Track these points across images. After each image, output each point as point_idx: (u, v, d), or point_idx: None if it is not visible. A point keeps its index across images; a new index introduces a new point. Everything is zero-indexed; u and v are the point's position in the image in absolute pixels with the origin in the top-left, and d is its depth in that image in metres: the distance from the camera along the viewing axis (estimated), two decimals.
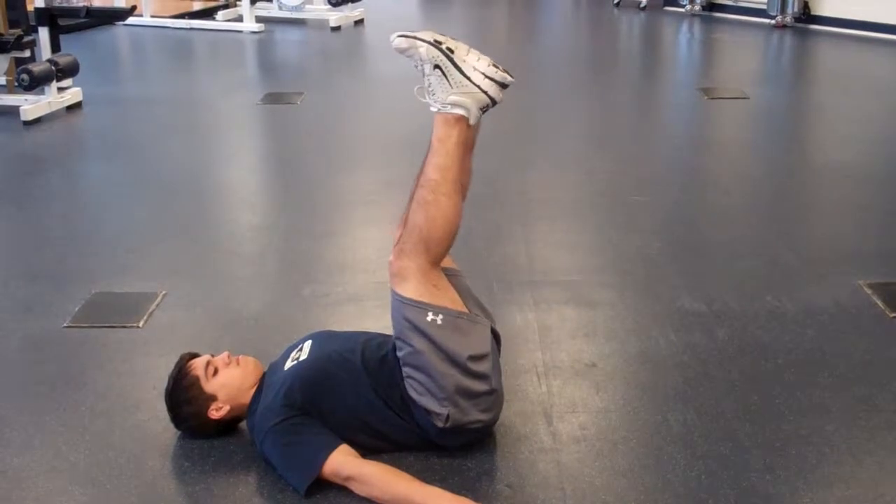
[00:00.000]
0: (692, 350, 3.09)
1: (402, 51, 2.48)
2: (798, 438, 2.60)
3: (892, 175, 5.01)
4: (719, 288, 3.54)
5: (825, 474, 2.46)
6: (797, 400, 2.78)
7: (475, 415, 2.46)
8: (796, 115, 6.64)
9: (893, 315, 3.30)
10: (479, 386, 2.44)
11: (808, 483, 2.42)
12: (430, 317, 2.40)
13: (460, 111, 2.43)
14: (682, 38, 9.48)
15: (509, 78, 2.45)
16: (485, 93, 2.43)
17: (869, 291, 3.48)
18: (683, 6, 10.18)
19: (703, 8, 10.06)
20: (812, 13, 9.16)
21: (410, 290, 2.43)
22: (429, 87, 2.46)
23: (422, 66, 2.45)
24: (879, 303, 3.39)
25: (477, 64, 2.43)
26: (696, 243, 4.07)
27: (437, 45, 2.43)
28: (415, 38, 2.44)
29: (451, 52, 2.42)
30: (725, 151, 5.62)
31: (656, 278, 3.67)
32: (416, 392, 2.43)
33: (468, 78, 2.42)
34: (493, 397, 2.50)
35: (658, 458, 2.53)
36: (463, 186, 2.55)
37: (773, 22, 9.25)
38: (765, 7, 9.38)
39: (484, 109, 2.46)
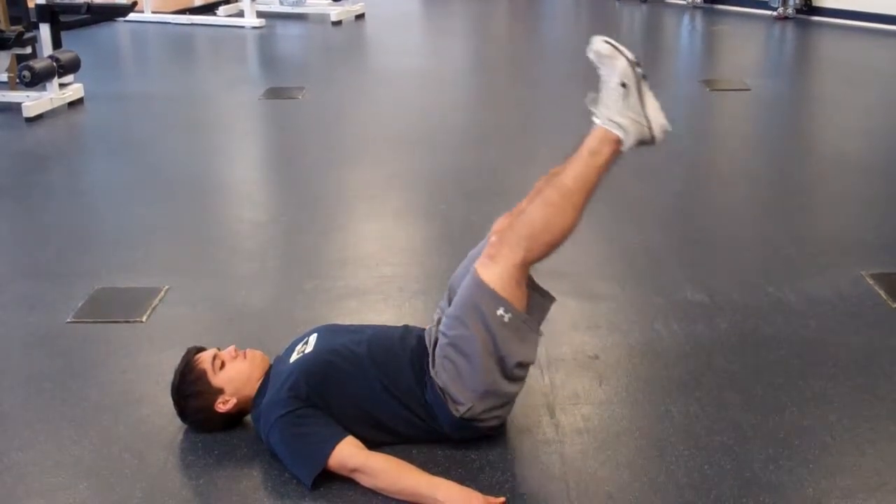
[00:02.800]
0: (694, 341, 3.09)
1: (600, 56, 2.45)
2: (801, 429, 2.60)
3: (894, 165, 5.01)
4: (721, 279, 3.54)
5: (828, 464, 2.46)
6: (800, 390, 2.79)
7: (494, 412, 2.48)
8: (798, 106, 6.63)
9: (895, 305, 3.30)
10: (510, 389, 2.47)
11: (811, 473, 2.42)
12: (500, 311, 2.40)
13: (621, 133, 2.43)
14: (683, 31, 9.47)
15: (668, 127, 2.47)
16: (650, 128, 2.45)
17: (871, 282, 3.48)
18: None
19: (705, 0, 10.04)
20: (813, 5, 9.14)
21: (495, 278, 2.41)
22: (605, 99, 2.45)
23: (609, 77, 2.44)
24: (881, 293, 3.39)
25: (651, 101, 2.44)
26: (697, 235, 4.07)
27: (635, 65, 2.43)
28: (619, 50, 2.43)
29: (644, 78, 2.43)
30: (727, 143, 5.62)
31: (658, 270, 3.67)
32: (447, 374, 2.43)
33: (643, 108, 2.44)
34: (513, 402, 2.53)
35: (661, 450, 2.53)
36: (587, 204, 2.52)
37: (774, 13, 9.23)
38: None
39: (641, 143, 2.46)
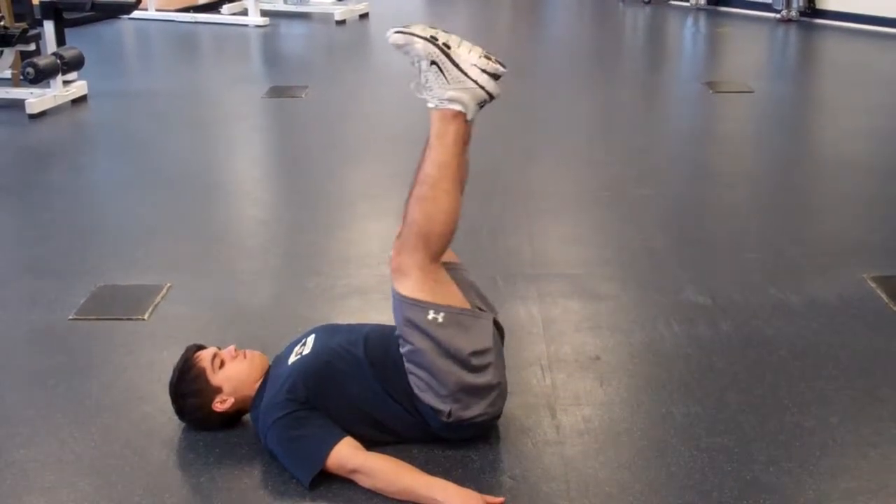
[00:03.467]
0: (696, 343, 3.09)
1: (398, 47, 2.45)
2: (802, 431, 2.60)
3: None
4: (723, 281, 3.54)
5: (829, 466, 2.46)
6: (801, 392, 2.79)
7: (478, 409, 2.46)
8: (801, 108, 6.62)
9: None
10: (480, 380, 2.44)
11: (812, 475, 2.42)
12: (430, 315, 2.40)
13: (458, 107, 2.42)
14: (687, 32, 9.47)
15: (501, 69, 2.44)
16: (482, 88, 2.42)
17: (873, 285, 3.47)
18: (688, 0, 10.16)
19: (709, 2, 10.03)
20: (817, 7, 9.13)
21: (410, 287, 2.43)
22: (425, 83, 2.44)
23: (418, 62, 2.43)
24: (883, 296, 3.39)
25: (469, 57, 2.41)
26: (700, 236, 4.07)
27: (433, 41, 2.41)
28: (411, 34, 2.42)
29: (448, 48, 2.41)
30: (730, 145, 5.62)
31: (660, 271, 3.67)
32: (418, 388, 2.44)
33: (465, 73, 2.41)
34: (496, 390, 2.50)
35: (662, 451, 2.53)
36: (461, 181, 2.54)
37: (778, 16, 9.22)
38: (770, 1, 9.35)
39: (481, 105, 2.45)
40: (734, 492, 2.35)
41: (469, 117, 2.45)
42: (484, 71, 2.41)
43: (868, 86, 6.96)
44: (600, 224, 4.27)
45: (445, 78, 2.40)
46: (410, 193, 2.50)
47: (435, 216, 2.43)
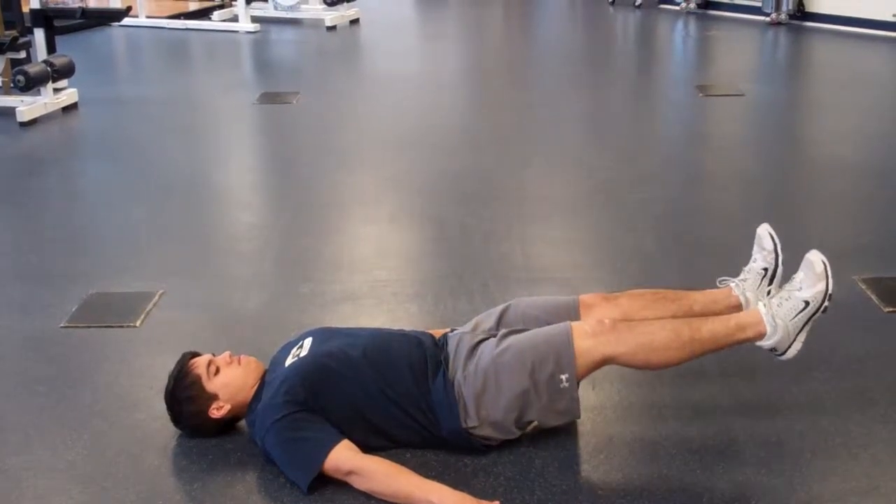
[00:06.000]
0: None
1: (811, 267, 2.54)
2: (793, 433, 2.61)
3: (887, 170, 5.02)
4: (715, 283, 3.54)
5: (821, 468, 2.47)
6: (792, 394, 2.79)
7: (494, 439, 2.52)
8: (791, 111, 6.64)
9: (888, 310, 3.32)
10: (514, 431, 2.51)
11: (803, 477, 2.43)
12: (565, 376, 2.44)
13: (768, 330, 2.50)
14: (677, 36, 9.50)
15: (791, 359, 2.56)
16: (789, 347, 2.52)
17: (863, 286, 3.49)
18: (678, 4, 10.19)
19: (699, 6, 10.07)
20: (807, 10, 9.17)
21: (584, 348, 2.45)
22: (784, 300, 2.53)
23: (802, 287, 2.53)
24: (874, 297, 3.40)
25: (806, 331, 2.53)
26: (691, 239, 4.08)
27: (829, 297, 2.51)
28: (828, 277, 2.52)
29: (823, 312, 2.52)
30: (721, 148, 5.64)
31: (652, 274, 3.67)
32: (471, 388, 2.47)
33: (800, 333, 2.52)
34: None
35: (654, 454, 2.54)
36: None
37: (768, 19, 9.26)
38: (760, 4, 9.39)
39: (770, 349, 2.54)
40: (726, 494, 2.36)
41: (764, 346, 2.53)
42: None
43: (858, 88, 6.98)
44: (593, 227, 4.28)
45: (796, 318, 2.51)
46: (669, 304, 2.67)
47: (664, 354, 2.49)
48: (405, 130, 5.92)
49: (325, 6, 9.82)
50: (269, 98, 6.72)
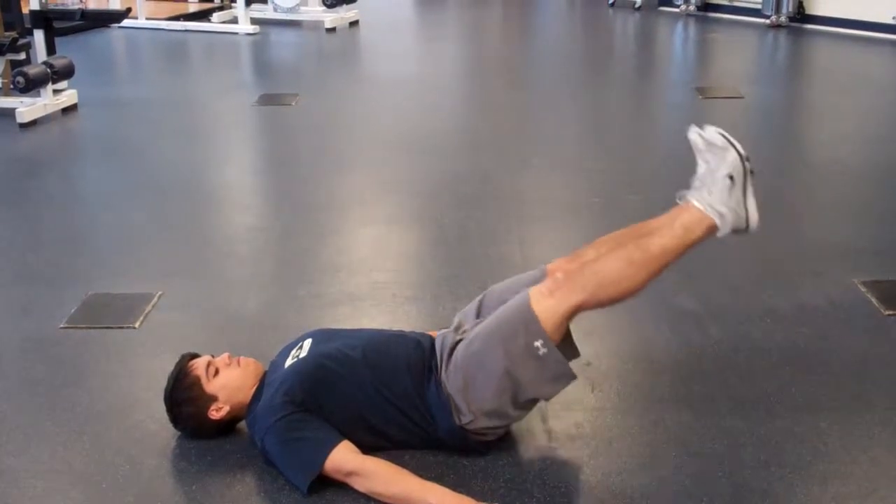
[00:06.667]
0: (687, 348, 3.10)
1: (711, 145, 2.49)
2: (793, 435, 2.61)
3: (887, 173, 5.02)
4: (714, 286, 3.55)
5: (820, 471, 2.47)
6: (792, 397, 2.79)
7: (492, 431, 2.51)
8: (791, 113, 6.65)
9: (887, 312, 3.32)
10: (514, 414, 2.50)
11: (803, 480, 2.43)
12: (538, 342, 2.40)
13: (719, 221, 2.45)
14: (676, 38, 9.50)
15: (755, 229, 2.50)
16: (748, 220, 2.47)
17: (863, 289, 3.49)
18: (678, 6, 10.19)
19: (698, 8, 10.07)
20: (806, 13, 9.17)
21: (546, 310, 2.41)
22: (708, 185, 2.47)
23: (714, 165, 2.46)
24: (873, 300, 3.40)
25: (751, 195, 2.48)
26: None
27: (745, 159, 2.45)
28: (732, 143, 2.46)
29: (752, 174, 2.46)
30: None
31: None
32: (457, 384, 2.45)
33: (745, 200, 2.46)
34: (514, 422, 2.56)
35: (653, 456, 2.54)
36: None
37: (767, 21, 9.26)
38: (759, 7, 9.39)
39: (735, 231, 2.48)
40: (725, 497, 2.36)
41: (720, 234, 2.47)
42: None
43: (857, 90, 6.99)
44: (591, 230, 4.26)
45: (730, 194, 2.45)
46: (617, 243, 2.55)
47: (624, 283, 2.44)
48: (405, 132, 5.92)
49: (324, 8, 9.82)
50: (269, 100, 6.72)
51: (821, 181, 5.00)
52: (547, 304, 2.42)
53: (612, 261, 2.46)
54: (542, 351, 2.40)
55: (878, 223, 4.27)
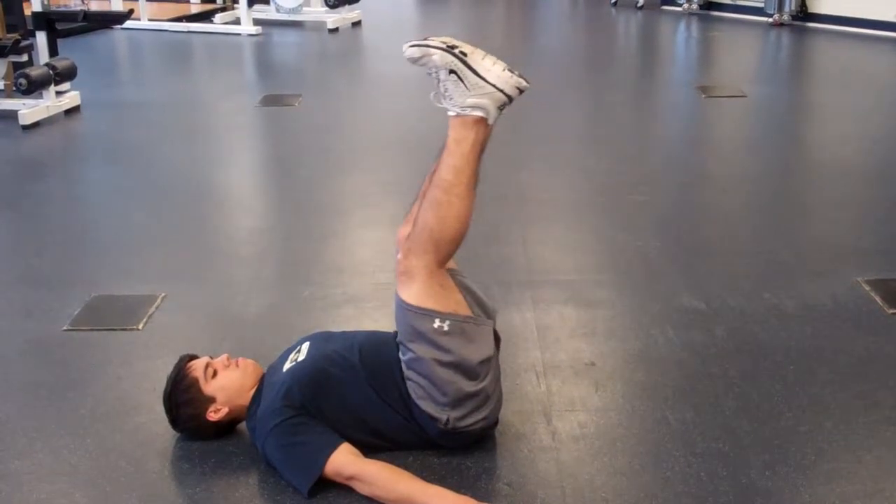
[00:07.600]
0: (691, 348, 3.09)
1: (414, 60, 2.45)
2: (797, 435, 2.60)
3: (890, 172, 5.02)
4: (718, 286, 3.54)
5: (824, 471, 2.46)
6: (796, 397, 2.79)
7: (475, 416, 2.47)
8: (794, 112, 6.64)
9: (892, 311, 3.31)
10: (479, 387, 2.45)
11: (807, 480, 2.42)
12: (436, 323, 2.40)
13: (479, 113, 2.41)
14: (679, 37, 9.49)
15: (524, 83, 2.44)
16: (501, 91, 2.41)
17: (867, 288, 3.48)
18: (681, 5, 10.19)
19: (701, 6, 10.07)
20: (809, 11, 9.17)
21: (416, 293, 2.42)
22: (445, 91, 2.43)
23: (436, 72, 2.43)
24: (878, 299, 3.39)
25: (492, 68, 2.41)
26: (694, 242, 4.07)
27: (450, 49, 2.41)
28: (427, 45, 2.42)
29: (465, 55, 2.41)
30: (723, 150, 5.63)
31: (655, 277, 3.67)
32: (416, 396, 2.45)
33: (484, 79, 2.40)
34: (493, 398, 2.51)
35: (657, 457, 2.53)
36: (474, 187, 2.53)
37: (770, 20, 9.26)
38: (762, 5, 9.39)
39: (501, 108, 2.44)
40: (730, 497, 2.35)
41: (490, 122, 2.44)
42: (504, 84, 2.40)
43: (860, 89, 6.98)
44: (595, 230, 4.28)
45: (465, 85, 2.40)
46: (422, 196, 2.51)
47: (448, 221, 2.43)
48: (407, 133, 5.91)
49: (326, 8, 9.82)
50: (272, 101, 6.72)
51: (824, 180, 4.99)
52: (413, 288, 2.42)
53: (425, 212, 2.45)
54: (446, 325, 2.40)
55: (882, 222, 4.26)
